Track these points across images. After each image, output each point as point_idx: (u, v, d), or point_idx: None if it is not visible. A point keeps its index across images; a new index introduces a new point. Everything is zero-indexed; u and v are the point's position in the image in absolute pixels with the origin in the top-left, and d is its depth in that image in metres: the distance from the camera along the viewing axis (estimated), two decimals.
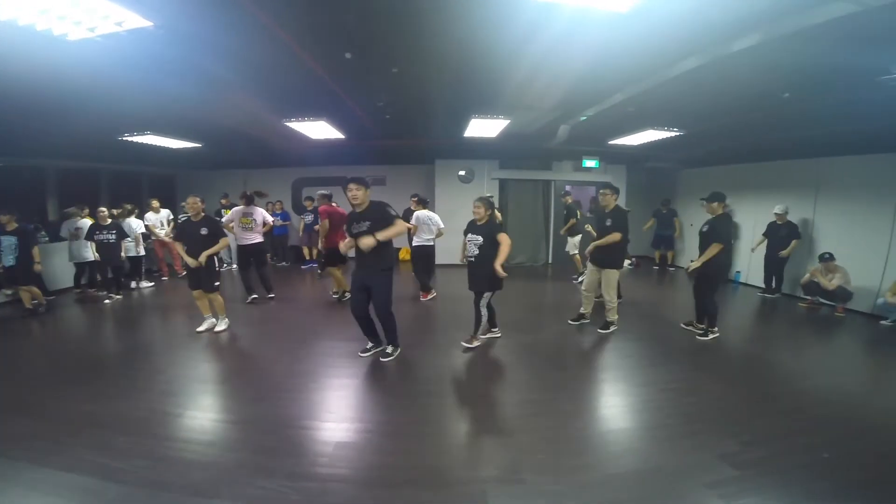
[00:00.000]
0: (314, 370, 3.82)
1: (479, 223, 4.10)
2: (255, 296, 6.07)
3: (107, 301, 6.14)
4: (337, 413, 3.10)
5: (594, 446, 2.69)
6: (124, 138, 5.78)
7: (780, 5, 2.52)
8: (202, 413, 3.09)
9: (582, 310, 5.01)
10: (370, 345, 4.05)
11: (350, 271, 4.46)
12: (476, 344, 4.25)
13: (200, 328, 4.67)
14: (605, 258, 4.68)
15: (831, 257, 5.62)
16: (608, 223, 4.64)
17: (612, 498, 2.19)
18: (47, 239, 6.66)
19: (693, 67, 3.46)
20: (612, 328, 4.75)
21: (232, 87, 4.05)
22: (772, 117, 4.75)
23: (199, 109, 4.73)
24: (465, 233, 4.22)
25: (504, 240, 3.91)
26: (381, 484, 2.31)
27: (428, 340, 4.60)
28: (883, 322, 5.13)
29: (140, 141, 5.99)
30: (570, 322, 5.03)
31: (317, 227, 6.33)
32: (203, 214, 4.59)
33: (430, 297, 6.26)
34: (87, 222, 6.38)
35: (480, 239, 4.03)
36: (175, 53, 3.07)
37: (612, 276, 4.67)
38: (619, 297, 4.91)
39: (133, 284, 6.92)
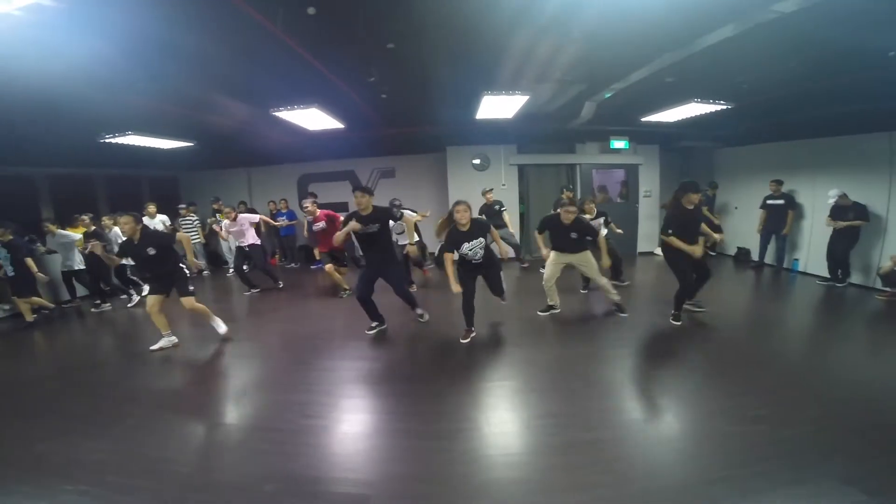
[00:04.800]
0: (316, 400, 3.19)
1: (464, 229, 3.83)
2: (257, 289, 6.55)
3: (93, 309, 5.99)
4: (352, 465, 2.48)
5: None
6: (106, 140, 5.31)
7: None
8: (171, 455, 2.54)
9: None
10: (374, 324, 4.43)
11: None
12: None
13: (155, 346, 4.16)
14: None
15: None
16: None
17: None
18: (44, 249, 6.30)
19: (763, 22, 2.74)
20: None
21: (198, 71, 3.51)
22: (856, 84, 3.90)
23: (168, 101, 4.23)
24: (452, 247, 3.83)
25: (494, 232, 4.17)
26: None
27: (437, 364, 3.93)
28: None
29: (124, 142, 5.52)
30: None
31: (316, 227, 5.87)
32: (139, 234, 4.03)
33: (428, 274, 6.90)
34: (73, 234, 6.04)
35: (483, 240, 3.93)
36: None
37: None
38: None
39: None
